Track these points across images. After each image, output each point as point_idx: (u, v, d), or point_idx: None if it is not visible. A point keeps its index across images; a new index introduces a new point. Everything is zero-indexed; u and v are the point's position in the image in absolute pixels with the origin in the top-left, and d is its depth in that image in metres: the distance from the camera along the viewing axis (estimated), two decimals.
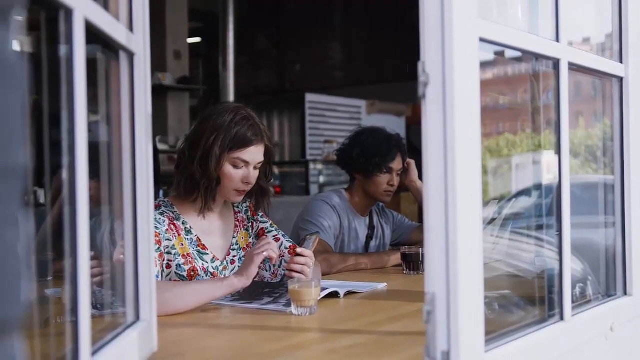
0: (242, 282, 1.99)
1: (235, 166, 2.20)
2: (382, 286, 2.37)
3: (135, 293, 1.36)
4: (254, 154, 2.22)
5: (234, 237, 2.36)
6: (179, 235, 2.21)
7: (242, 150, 2.19)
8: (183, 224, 2.24)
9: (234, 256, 2.35)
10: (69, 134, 0.98)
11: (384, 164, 2.98)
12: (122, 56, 1.32)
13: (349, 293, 2.20)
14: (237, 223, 2.39)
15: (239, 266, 2.31)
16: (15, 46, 0.58)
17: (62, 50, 0.99)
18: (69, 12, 0.98)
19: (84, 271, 1.00)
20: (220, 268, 2.28)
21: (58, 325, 1.30)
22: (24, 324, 0.58)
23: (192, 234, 2.24)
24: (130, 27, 1.34)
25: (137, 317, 1.36)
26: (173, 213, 2.24)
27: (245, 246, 2.38)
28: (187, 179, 2.22)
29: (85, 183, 1.00)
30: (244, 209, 2.43)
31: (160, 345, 1.44)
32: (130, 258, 1.35)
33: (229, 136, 2.16)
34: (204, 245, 2.26)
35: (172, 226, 2.19)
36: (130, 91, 1.35)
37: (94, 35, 1.09)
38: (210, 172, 2.17)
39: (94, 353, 1.06)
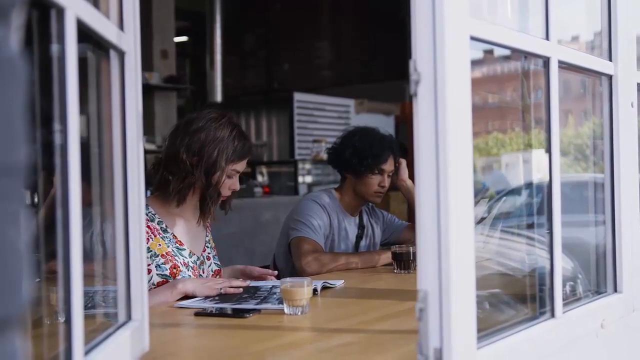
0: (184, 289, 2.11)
1: (230, 176, 2.30)
2: (339, 283, 2.38)
3: (127, 293, 1.35)
4: (245, 164, 2.35)
5: (206, 236, 2.45)
6: (155, 236, 2.24)
7: (240, 163, 2.31)
8: (158, 223, 2.28)
9: (208, 253, 2.43)
10: (61, 134, 0.98)
11: (376, 165, 2.97)
12: (113, 55, 1.32)
13: (324, 288, 2.25)
14: (207, 223, 2.47)
15: (214, 262, 2.43)
16: (16, 45, 0.58)
17: (54, 49, 0.99)
18: (60, 11, 0.97)
19: (76, 272, 0.99)
20: (198, 263, 2.35)
21: (47, 325, 1.30)
22: (24, 322, 0.58)
23: (168, 232, 2.29)
24: (121, 26, 1.33)
25: (129, 317, 1.35)
26: (147, 214, 2.25)
27: (213, 246, 2.48)
28: (188, 187, 2.26)
29: (78, 184, 0.99)
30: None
31: (152, 345, 1.43)
32: (121, 258, 1.34)
33: (231, 149, 2.27)
34: (180, 241, 2.31)
35: (146, 228, 2.21)
36: (121, 90, 1.34)
37: (84, 34, 1.08)
38: (216, 183, 2.26)
39: (86, 353, 1.06)
